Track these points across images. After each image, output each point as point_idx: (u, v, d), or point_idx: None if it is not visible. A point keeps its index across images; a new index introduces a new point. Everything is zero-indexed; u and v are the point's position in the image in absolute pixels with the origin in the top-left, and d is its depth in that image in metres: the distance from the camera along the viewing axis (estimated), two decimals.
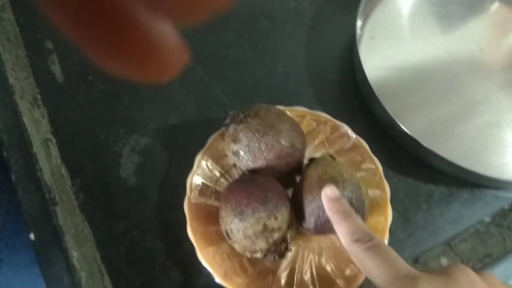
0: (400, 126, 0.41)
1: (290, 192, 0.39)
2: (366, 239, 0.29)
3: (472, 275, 0.27)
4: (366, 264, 0.28)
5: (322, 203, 0.34)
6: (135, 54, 0.10)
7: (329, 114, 0.43)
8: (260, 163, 0.37)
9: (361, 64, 0.44)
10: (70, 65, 0.49)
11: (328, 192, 0.33)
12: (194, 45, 0.50)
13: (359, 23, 0.46)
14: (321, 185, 0.35)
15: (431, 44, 0.51)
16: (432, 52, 0.50)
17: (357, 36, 0.45)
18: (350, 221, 0.31)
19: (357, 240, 0.29)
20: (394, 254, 0.28)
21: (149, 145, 0.45)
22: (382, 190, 0.39)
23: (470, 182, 0.43)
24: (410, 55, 0.50)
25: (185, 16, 0.10)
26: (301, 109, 0.43)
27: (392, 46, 0.50)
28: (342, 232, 0.31)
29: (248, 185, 0.36)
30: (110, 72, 0.11)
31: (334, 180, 0.35)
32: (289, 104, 0.44)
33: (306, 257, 0.38)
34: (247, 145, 0.37)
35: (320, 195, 0.34)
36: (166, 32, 0.10)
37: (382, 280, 0.27)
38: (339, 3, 0.52)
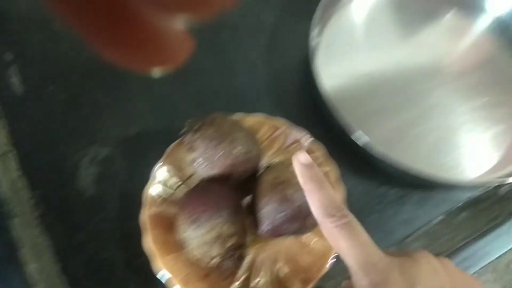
0: (352, 132, 0.42)
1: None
2: (340, 215, 0.28)
3: (433, 260, 0.28)
4: (340, 242, 0.27)
5: (276, 206, 0.35)
6: (140, 43, 0.10)
7: (288, 121, 0.44)
8: (217, 170, 0.38)
9: (316, 72, 0.45)
10: (30, 76, 0.48)
11: (301, 158, 0.31)
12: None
13: (314, 32, 0.47)
14: (274, 188, 0.36)
15: (386, 51, 0.52)
16: (387, 59, 0.52)
17: (312, 44, 0.46)
18: (324, 191, 0.29)
19: (330, 215, 0.28)
20: (367, 236, 0.28)
21: (109, 156, 0.45)
22: (337, 191, 0.40)
23: (422, 184, 0.44)
24: (366, 62, 0.51)
25: (195, 12, 0.11)
26: (259, 116, 0.44)
27: (348, 54, 0.52)
28: (314, 203, 0.29)
29: (203, 193, 0.36)
30: (116, 62, 0.11)
31: (288, 183, 0.36)
32: (249, 111, 0.45)
33: (263, 262, 0.39)
34: (203, 153, 0.37)
35: (274, 199, 0.35)
36: (171, 24, 0.11)
37: (355, 262, 0.26)
38: (298, 13, 0.54)
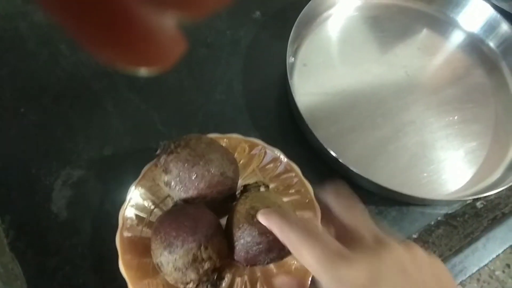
0: (328, 151, 0.42)
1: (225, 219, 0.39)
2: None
3: (397, 251, 0.27)
4: (298, 245, 0.27)
5: (251, 238, 0.35)
6: (132, 42, 0.10)
7: (265, 140, 0.44)
8: (191, 193, 0.37)
9: (292, 90, 0.45)
10: (1, 97, 0.47)
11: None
12: (129, 73, 0.50)
13: (290, 50, 0.48)
14: (250, 220, 0.35)
15: (360, 69, 0.53)
16: (361, 77, 0.53)
17: (288, 63, 0.47)
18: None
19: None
20: (326, 234, 0.28)
21: (82, 178, 0.44)
22: (313, 211, 0.40)
23: (398, 201, 0.45)
24: (341, 80, 0.52)
25: (188, 11, 0.11)
26: (235, 136, 0.44)
27: (324, 72, 0.52)
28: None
29: (178, 216, 0.36)
30: (108, 61, 0.10)
31: None
32: (226, 131, 0.45)
33: (240, 284, 0.38)
34: (177, 175, 0.37)
35: (249, 231, 0.35)
36: (164, 23, 0.10)
37: (316, 262, 0.26)
38: (274, 31, 0.54)
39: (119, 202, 0.40)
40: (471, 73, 0.56)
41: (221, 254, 0.35)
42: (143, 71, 0.11)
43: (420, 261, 0.28)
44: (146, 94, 0.49)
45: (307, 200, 0.41)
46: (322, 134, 0.43)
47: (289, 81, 0.46)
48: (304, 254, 0.27)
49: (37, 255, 0.41)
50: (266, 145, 0.43)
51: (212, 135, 0.43)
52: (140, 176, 0.41)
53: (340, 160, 0.42)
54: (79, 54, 0.50)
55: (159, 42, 0.11)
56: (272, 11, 0.57)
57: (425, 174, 0.47)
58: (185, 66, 0.52)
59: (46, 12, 0.09)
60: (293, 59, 0.51)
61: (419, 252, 0.28)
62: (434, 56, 0.57)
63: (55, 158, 0.45)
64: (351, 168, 0.41)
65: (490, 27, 0.57)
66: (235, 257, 0.36)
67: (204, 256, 0.34)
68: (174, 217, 0.36)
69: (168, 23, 0.11)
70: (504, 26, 0.55)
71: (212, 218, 0.37)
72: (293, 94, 0.45)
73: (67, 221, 0.42)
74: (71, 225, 0.42)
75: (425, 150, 0.49)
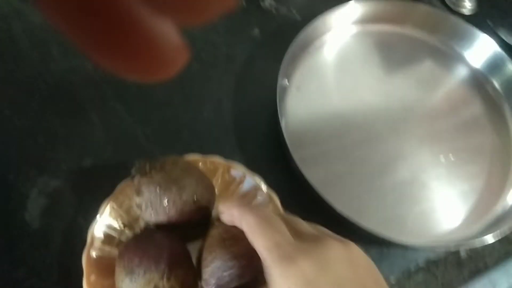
0: (310, 182, 0.41)
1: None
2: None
3: (340, 247, 0.29)
4: (252, 233, 0.30)
5: (222, 263, 0.34)
6: (135, 51, 0.10)
7: (249, 163, 0.42)
8: (161, 218, 0.36)
9: (279, 114, 0.44)
10: None
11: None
12: (117, 83, 0.49)
13: (282, 73, 0.47)
14: (222, 244, 0.34)
15: (354, 98, 0.52)
16: (355, 106, 0.51)
17: (279, 86, 0.46)
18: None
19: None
20: (278, 222, 0.30)
21: (59, 188, 0.43)
22: None
23: (379, 241, 0.43)
24: (333, 108, 0.51)
25: (190, 16, 0.10)
26: (216, 159, 0.43)
27: (317, 98, 0.51)
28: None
29: (144, 243, 0.35)
30: (109, 69, 0.10)
31: (236, 238, 0.35)
32: (209, 151, 0.44)
33: None
34: (149, 199, 0.36)
35: (220, 256, 0.34)
36: (167, 30, 0.10)
37: (264, 248, 0.28)
38: (271, 52, 0.53)
39: (91, 217, 0.39)
40: (471, 111, 0.54)
41: (185, 286, 0.34)
42: (145, 80, 0.11)
43: (357, 257, 0.30)
44: (132, 105, 0.49)
45: None
46: (305, 163, 0.42)
47: (278, 105, 0.45)
48: (258, 241, 0.29)
49: (4, 264, 0.40)
50: (247, 170, 0.42)
51: (192, 156, 0.42)
52: (113, 193, 0.40)
53: (320, 194, 0.40)
54: (70, 59, 0.50)
55: (162, 50, 0.10)
56: (272, 29, 0.55)
57: (411, 216, 0.45)
58: (176, 80, 0.51)
59: (48, 20, 0.09)
60: (286, 82, 0.50)
61: (356, 249, 0.31)
62: (433, 89, 0.55)
63: (34, 165, 0.44)
64: (333, 205, 0.40)
65: (496, 66, 0.55)
66: (205, 286, 0.35)
67: (166, 287, 0.33)
68: (140, 244, 0.35)
69: (171, 30, 0.10)
70: (510, 66, 0.53)
71: (180, 248, 0.36)
72: (280, 118, 0.44)
73: (39, 231, 0.41)
74: (42, 236, 0.41)
75: (413, 189, 0.47)
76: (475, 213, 0.46)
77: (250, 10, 0.56)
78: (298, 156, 0.42)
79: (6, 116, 0.46)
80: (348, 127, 0.49)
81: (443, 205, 0.46)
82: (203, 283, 0.35)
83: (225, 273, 0.34)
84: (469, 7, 0.63)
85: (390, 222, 0.44)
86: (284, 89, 0.49)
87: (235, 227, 0.36)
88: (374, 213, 0.45)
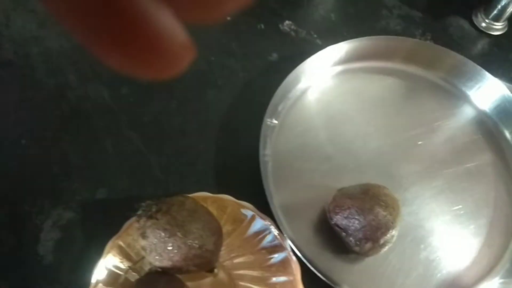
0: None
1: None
2: None
3: None
4: None
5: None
6: (141, 49, 0.10)
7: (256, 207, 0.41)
8: (165, 263, 0.35)
9: (261, 154, 0.43)
10: (2, 127, 0.48)
11: None
12: (133, 111, 0.49)
13: (270, 113, 0.45)
14: None
15: (344, 141, 0.49)
16: (347, 150, 0.48)
17: (264, 126, 0.45)
18: None
19: None
20: None
21: (73, 220, 0.43)
22: None
23: None
24: (320, 146, 0.48)
25: (202, 13, 0.10)
26: (226, 197, 0.41)
27: (307, 140, 0.48)
28: None
29: None
30: (116, 66, 0.10)
31: None
32: (223, 185, 0.43)
33: None
34: (153, 243, 0.35)
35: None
36: (173, 28, 0.10)
37: None
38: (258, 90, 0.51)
39: (101, 252, 0.39)
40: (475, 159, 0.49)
41: None
42: (150, 78, 0.11)
43: None
44: (148, 135, 0.48)
45: (291, 279, 0.38)
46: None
47: (261, 146, 0.43)
48: None
49: None
50: (257, 211, 0.41)
51: (202, 194, 0.41)
52: (121, 231, 0.40)
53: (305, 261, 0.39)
54: (87, 86, 0.50)
55: (168, 47, 0.10)
56: (290, 54, 0.53)
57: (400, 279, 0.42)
58: (191, 108, 0.50)
59: (53, 15, 0.09)
60: (276, 122, 0.48)
61: None
62: (433, 133, 0.50)
63: (48, 196, 0.44)
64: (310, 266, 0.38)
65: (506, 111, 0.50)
66: None
67: None
68: None
69: (177, 28, 0.10)
70: None
71: None
72: (260, 158, 0.43)
73: (51, 266, 0.42)
74: (53, 271, 0.41)
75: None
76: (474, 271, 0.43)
77: (268, 34, 0.54)
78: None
79: (23, 146, 0.47)
80: (338, 171, 0.47)
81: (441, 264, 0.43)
82: None
83: None
84: (500, 27, 0.58)
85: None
86: (272, 129, 0.47)
87: None
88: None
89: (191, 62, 0.11)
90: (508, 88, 0.49)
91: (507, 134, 0.50)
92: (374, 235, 0.38)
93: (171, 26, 0.10)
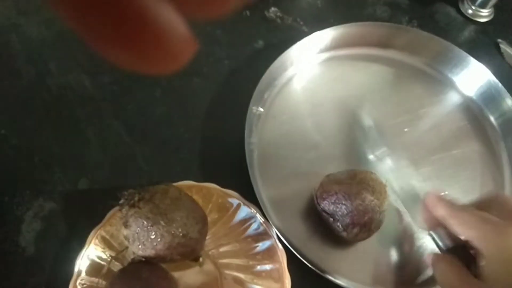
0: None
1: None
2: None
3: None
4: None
5: None
6: (142, 43, 0.10)
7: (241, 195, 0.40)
8: (149, 252, 0.35)
9: (246, 142, 0.43)
10: None
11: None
12: (116, 100, 0.48)
13: (255, 100, 0.45)
14: None
15: (330, 127, 0.48)
16: (329, 132, 0.48)
17: (250, 114, 0.44)
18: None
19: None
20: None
21: (54, 211, 0.43)
22: (281, 282, 0.37)
23: None
24: (306, 133, 0.48)
25: (205, 8, 0.10)
26: (211, 186, 0.41)
27: (292, 127, 0.48)
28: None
29: (130, 279, 0.34)
30: (116, 63, 0.10)
31: None
32: (209, 174, 0.42)
33: None
34: (136, 232, 0.35)
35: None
36: (174, 22, 0.10)
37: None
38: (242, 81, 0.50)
39: (83, 243, 0.38)
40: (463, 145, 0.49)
41: None
42: (151, 72, 0.11)
43: None
44: (131, 124, 0.47)
45: (277, 267, 0.37)
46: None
47: (246, 132, 0.43)
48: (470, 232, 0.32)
49: None
50: (242, 199, 0.40)
51: (187, 183, 0.41)
52: (103, 221, 0.39)
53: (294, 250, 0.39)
54: (68, 74, 0.49)
55: (170, 41, 0.10)
56: (276, 41, 0.53)
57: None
58: (176, 96, 0.49)
59: (54, 10, 0.09)
60: (261, 109, 0.47)
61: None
62: (419, 120, 0.49)
63: (29, 187, 0.43)
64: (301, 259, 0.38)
65: (492, 98, 0.50)
66: None
67: None
68: (126, 280, 0.34)
69: (179, 21, 0.10)
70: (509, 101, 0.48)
71: (167, 284, 0.34)
72: (246, 146, 0.42)
73: (33, 257, 0.41)
74: (35, 262, 0.41)
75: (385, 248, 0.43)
76: None
77: (254, 21, 0.53)
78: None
79: (2, 136, 0.46)
80: (325, 159, 0.46)
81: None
82: None
83: None
84: (486, 14, 0.58)
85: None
86: (258, 116, 0.47)
87: None
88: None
89: (192, 56, 0.11)
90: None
91: (492, 119, 0.50)
92: (361, 220, 0.38)
93: (174, 21, 0.10)
